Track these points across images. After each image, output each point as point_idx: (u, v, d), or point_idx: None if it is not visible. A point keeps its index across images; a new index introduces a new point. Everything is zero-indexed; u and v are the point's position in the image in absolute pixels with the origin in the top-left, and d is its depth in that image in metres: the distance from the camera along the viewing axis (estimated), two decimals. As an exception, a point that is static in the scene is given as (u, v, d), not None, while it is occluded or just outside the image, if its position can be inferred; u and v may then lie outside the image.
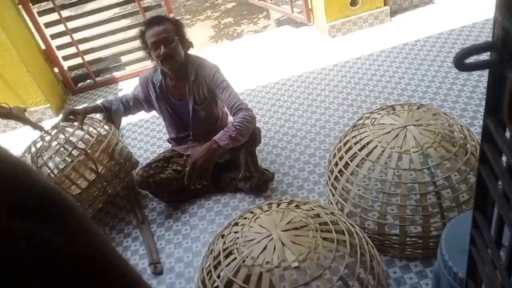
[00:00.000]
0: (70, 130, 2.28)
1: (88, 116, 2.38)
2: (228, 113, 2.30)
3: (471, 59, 0.62)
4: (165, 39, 2.09)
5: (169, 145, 2.62)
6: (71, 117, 2.33)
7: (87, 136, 2.27)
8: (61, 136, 2.28)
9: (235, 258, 1.41)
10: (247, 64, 3.80)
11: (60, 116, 2.43)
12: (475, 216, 0.74)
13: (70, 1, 3.88)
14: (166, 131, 2.59)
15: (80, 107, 2.66)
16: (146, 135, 3.15)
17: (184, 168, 2.34)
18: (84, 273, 0.35)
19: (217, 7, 6.92)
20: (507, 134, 0.63)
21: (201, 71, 2.22)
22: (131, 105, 2.48)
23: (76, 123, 2.29)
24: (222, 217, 2.27)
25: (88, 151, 2.18)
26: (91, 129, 2.31)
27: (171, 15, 3.82)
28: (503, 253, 0.67)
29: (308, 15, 4.08)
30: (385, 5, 3.76)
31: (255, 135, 2.21)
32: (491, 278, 0.69)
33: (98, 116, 2.49)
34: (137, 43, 2.53)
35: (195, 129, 2.37)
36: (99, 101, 2.54)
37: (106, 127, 2.38)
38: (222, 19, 6.42)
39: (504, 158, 0.64)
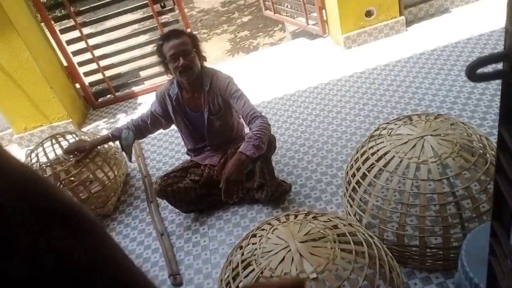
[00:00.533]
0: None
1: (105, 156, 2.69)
2: (244, 122, 2.32)
3: (488, 68, 0.63)
4: (184, 51, 2.15)
5: (187, 157, 2.66)
6: (76, 153, 2.52)
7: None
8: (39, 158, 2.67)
9: (253, 270, 1.42)
10: (264, 77, 3.83)
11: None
12: (493, 226, 0.74)
13: (91, 19, 4.00)
14: (183, 143, 2.63)
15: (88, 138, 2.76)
16: (165, 148, 3.20)
17: (202, 177, 2.37)
18: (102, 284, 0.36)
19: (233, 21, 7.02)
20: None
21: (215, 82, 2.28)
22: (148, 124, 2.50)
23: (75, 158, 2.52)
24: (240, 228, 2.28)
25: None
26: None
27: (188, 30, 3.90)
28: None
29: (323, 27, 4.11)
30: (400, 15, 3.76)
31: (270, 142, 2.23)
32: (511, 288, 0.69)
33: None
34: (155, 58, 2.61)
35: (211, 139, 2.41)
36: (109, 131, 2.64)
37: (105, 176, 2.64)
38: (238, 32, 6.52)
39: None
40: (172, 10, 3.98)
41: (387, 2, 3.66)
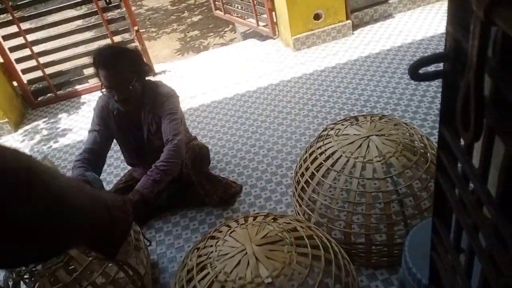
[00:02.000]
0: None
1: None
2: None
3: (430, 69, 0.64)
4: (117, 86, 1.95)
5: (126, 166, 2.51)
6: None
7: None
8: None
9: (208, 273, 1.39)
10: (214, 77, 3.79)
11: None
12: (434, 223, 0.76)
13: (30, 13, 3.78)
14: (122, 156, 2.43)
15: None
16: (110, 157, 3.06)
17: None
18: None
19: (183, 20, 6.91)
20: (462, 141, 0.65)
21: (156, 100, 2.11)
22: (99, 148, 2.15)
23: None
24: (189, 231, 2.23)
25: None
26: None
27: (135, 28, 3.78)
28: (465, 257, 0.69)
29: (273, 29, 4.13)
30: (347, 19, 3.87)
31: (202, 156, 2.24)
32: (452, 283, 0.71)
33: None
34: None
35: (151, 157, 2.18)
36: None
37: None
38: (188, 32, 6.42)
39: (459, 165, 0.66)
40: (118, 6, 3.84)
41: (334, 6, 3.75)
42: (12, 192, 0.43)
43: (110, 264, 1.69)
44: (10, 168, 0.45)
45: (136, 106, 2.10)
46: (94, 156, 2.11)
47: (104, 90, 2.04)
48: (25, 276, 1.61)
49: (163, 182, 1.93)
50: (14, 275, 1.63)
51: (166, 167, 1.93)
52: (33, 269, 1.62)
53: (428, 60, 0.62)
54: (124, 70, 1.94)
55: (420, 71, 0.65)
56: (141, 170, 2.33)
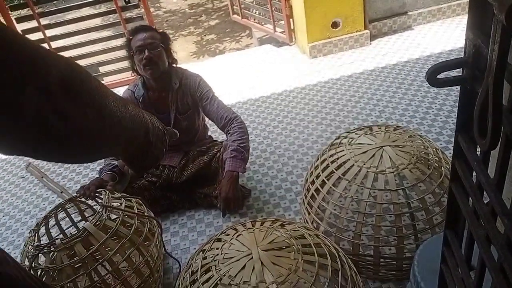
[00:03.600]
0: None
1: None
2: (216, 123, 2.30)
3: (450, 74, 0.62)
4: (150, 44, 2.12)
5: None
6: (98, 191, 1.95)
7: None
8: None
9: (212, 276, 1.37)
10: (229, 81, 3.80)
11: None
12: (446, 235, 0.73)
13: (50, 9, 3.84)
14: None
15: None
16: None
17: (160, 178, 2.29)
18: None
19: (200, 23, 6.96)
20: (478, 152, 0.63)
21: (185, 81, 2.26)
22: None
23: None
24: (196, 233, 2.22)
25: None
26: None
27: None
28: (475, 272, 0.67)
29: (290, 35, 4.13)
30: (365, 29, 3.84)
31: None
32: (461, 298, 0.68)
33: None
34: (117, 53, 2.43)
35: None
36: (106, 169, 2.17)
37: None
38: (204, 35, 6.46)
39: (474, 175, 0.64)
40: (136, 6, 3.88)
41: (353, 15, 3.73)
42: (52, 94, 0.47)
43: (127, 245, 1.71)
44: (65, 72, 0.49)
45: (162, 84, 2.24)
46: None
47: (134, 73, 2.28)
48: (44, 250, 1.64)
49: (247, 159, 2.19)
50: (32, 250, 1.65)
51: (244, 143, 2.17)
52: (51, 244, 1.65)
53: (446, 66, 0.61)
54: (156, 35, 2.17)
55: (439, 77, 0.63)
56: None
